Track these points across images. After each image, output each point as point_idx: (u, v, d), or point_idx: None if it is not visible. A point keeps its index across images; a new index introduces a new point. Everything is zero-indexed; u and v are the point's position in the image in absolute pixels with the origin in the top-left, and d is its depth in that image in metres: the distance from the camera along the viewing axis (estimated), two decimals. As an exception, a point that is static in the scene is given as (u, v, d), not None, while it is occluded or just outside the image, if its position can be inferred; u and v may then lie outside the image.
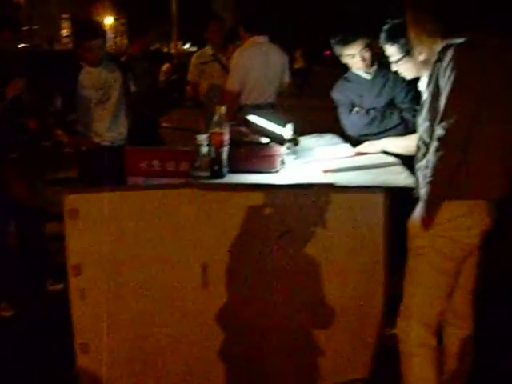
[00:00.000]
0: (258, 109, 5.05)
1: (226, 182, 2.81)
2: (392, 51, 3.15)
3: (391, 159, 3.13)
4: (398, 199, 2.82)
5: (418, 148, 2.61)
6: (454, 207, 2.46)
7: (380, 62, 3.80)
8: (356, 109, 3.80)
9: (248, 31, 5.15)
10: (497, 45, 2.42)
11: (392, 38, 3.12)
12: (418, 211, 2.53)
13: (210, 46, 5.69)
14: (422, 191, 2.49)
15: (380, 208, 2.84)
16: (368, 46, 3.69)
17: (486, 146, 2.41)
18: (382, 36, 3.18)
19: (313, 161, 3.16)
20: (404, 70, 3.18)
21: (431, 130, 2.50)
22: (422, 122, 2.58)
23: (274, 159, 2.98)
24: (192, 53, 7.65)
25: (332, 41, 3.74)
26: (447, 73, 2.37)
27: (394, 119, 3.73)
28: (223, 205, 2.79)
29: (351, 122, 3.78)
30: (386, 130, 3.74)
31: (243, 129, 3.18)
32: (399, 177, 2.87)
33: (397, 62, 3.15)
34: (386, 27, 3.19)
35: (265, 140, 2.97)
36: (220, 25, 5.66)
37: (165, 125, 10.17)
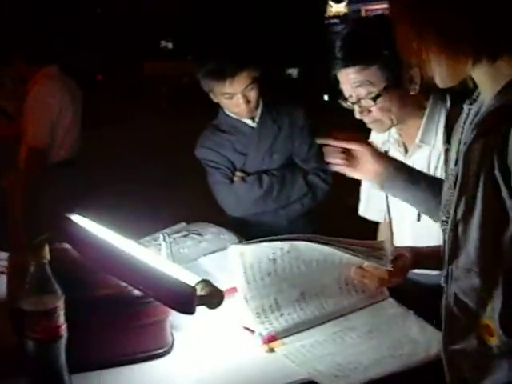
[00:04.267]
0: (64, 166, 3.37)
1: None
2: (365, 77, 1.64)
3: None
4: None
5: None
6: None
7: (266, 101, 2.33)
8: (239, 174, 2.31)
9: (31, 61, 3.40)
10: None
11: (363, 55, 1.62)
12: None
13: None
14: None
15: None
16: (255, 82, 2.21)
17: None
18: (343, 54, 1.64)
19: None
20: (382, 114, 1.67)
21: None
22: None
23: (161, 329, 1.37)
24: None
25: (199, 71, 2.20)
26: None
27: (299, 186, 2.30)
28: None
29: (236, 195, 2.27)
30: (288, 205, 2.31)
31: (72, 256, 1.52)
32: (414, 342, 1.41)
33: (376, 97, 1.64)
34: (346, 37, 1.66)
35: (135, 293, 1.34)
36: None
37: None
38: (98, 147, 4.09)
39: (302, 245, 1.53)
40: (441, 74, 1.17)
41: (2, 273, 1.84)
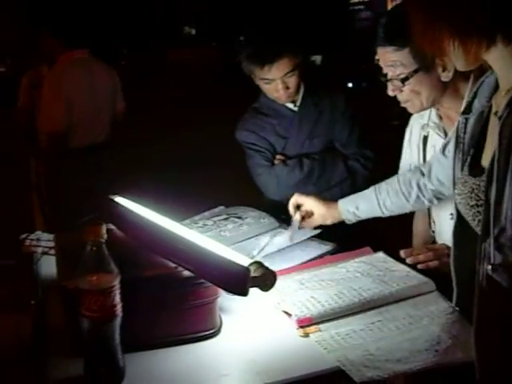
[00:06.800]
0: (86, 153, 3.38)
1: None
2: (398, 58, 1.65)
3: (420, 276, 1.61)
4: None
5: None
6: None
7: (308, 83, 2.30)
8: (279, 157, 2.29)
9: (63, 44, 3.42)
10: None
11: (398, 37, 1.61)
12: None
13: (46, 65, 3.82)
14: None
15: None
16: (297, 68, 2.18)
17: None
18: (382, 33, 1.66)
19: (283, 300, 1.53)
20: (412, 95, 1.70)
21: None
22: None
23: (211, 310, 1.36)
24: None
25: (241, 54, 2.18)
26: None
27: (339, 171, 2.27)
28: None
29: (277, 178, 2.25)
30: (327, 189, 2.29)
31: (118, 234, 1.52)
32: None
33: (405, 79, 1.66)
34: (388, 17, 1.69)
35: (185, 273, 1.33)
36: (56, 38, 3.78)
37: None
38: (127, 133, 4.10)
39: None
40: (458, 59, 1.19)
41: (45, 253, 1.85)
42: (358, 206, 1.84)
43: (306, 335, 1.38)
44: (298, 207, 1.92)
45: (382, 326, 1.40)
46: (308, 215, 1.91)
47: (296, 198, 1.93)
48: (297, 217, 1.91)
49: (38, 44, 3.57)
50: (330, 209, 1.89)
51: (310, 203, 1.91)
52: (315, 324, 1.41)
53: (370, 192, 1.84)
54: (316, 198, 1.92)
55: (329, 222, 1.90)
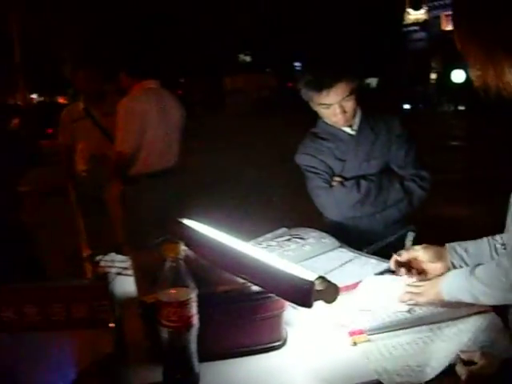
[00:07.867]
0: (157, 178, 3.54)
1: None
2: None
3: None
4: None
5: None
6: None
7: (364, 107, 2.40)
8: (337, 179, 2.38)
9: (132, 76, 3.62)
10: None
11: None
12: None
13: (81, 99, 4.02)
14: None
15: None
16: (353, 92, 2.28)
17: None
18: None
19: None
20: None
21: None
22: None
23: (277, 323, 1.45)
24: (42, 103, 5.68)
25: (300, 81, 2.29)
26: None
27: (395, 191, 2.34)
28: None
29: (335, 199, 2.34)
30: (384, 209, 2.36)
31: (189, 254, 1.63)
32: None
33: None
34: None
35: (254, 288, 1.43)
36: (92, 72, 4.01)
37: (23, 189, 8.19)
38: (192, 158, 4.28)
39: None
40: None
41: (120, 274, 1.99)
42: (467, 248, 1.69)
43: (355, 344, 1.46)
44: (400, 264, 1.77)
45: (429, 341, 1.45)
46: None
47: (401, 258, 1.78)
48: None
49: (72, 80, 3.81)
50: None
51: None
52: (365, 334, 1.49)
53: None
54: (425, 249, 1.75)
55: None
